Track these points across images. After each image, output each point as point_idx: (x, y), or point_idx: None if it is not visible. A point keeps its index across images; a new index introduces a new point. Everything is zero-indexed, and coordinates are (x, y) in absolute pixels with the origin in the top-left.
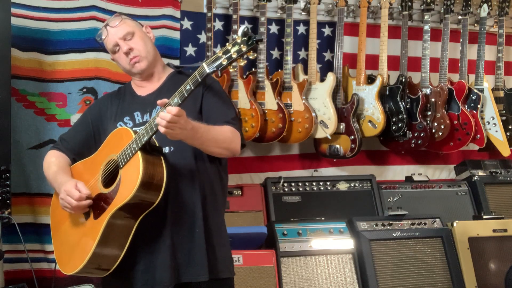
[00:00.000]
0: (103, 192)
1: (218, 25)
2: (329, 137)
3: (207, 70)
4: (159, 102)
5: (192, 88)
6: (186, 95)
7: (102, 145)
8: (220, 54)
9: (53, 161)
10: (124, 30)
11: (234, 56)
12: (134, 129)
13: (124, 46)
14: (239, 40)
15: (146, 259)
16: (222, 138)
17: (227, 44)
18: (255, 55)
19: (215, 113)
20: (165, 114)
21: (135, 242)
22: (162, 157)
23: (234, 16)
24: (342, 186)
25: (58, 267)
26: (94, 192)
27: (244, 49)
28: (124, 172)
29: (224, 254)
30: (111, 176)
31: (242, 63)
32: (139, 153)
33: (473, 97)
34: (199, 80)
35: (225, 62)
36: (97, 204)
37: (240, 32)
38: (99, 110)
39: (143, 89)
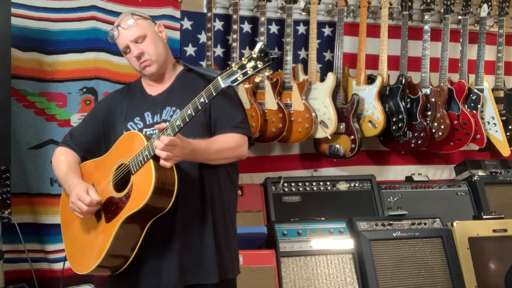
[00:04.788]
0: (114, 196)
1: (218, 25)
2: (329, 137)
3: (222, 85)
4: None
5: (207, 101)
6: (200, 108)
7: (113, 148)
8: (236, 69)
9: (63, 160)
10: (136, 33)
11: (249, 72)
12: (145, 130)
13: (135, 50)
14: (255, 56)
15: (153, 260)
16: (225, 149)
17: (242, 58)
18: (271, 72)
19: (222, 117)
20: (158, 143)
21: (144, 244)
22: (173, 164)
23: (234, 16)
24: (342, 186)
25: (70, 266)
26: (106, 195)
27: (260, 65)
28: (136, 178)
29: (231, 255)
30: (122, 181)
31: (257, 79)
32: (151, 161)
33: (473, 97)
34: (214, 94)
35: (240, 78)
36: (109, 208)
37: (257, 48)
38: (109, 107)
39: (153, 88)
